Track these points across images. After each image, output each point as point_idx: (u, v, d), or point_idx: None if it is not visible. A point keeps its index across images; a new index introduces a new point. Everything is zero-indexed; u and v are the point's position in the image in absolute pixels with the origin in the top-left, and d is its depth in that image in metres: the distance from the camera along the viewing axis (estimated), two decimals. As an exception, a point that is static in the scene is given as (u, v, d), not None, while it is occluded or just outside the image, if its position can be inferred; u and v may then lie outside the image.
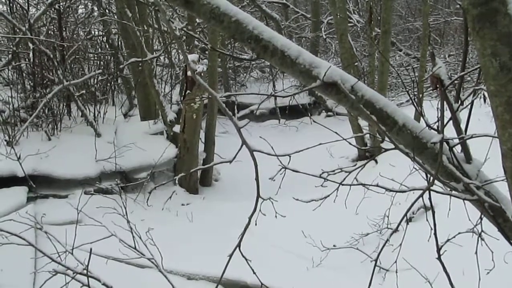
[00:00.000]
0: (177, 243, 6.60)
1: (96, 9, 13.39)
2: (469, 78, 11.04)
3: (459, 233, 2.93)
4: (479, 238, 2.75)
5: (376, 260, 3.22)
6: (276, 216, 2.76)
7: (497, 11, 1.89)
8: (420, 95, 9.19)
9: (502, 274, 3.78)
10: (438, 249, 2.71)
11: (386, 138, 2.56)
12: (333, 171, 3.17)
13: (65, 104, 10.01)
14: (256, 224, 2.62)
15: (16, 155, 7.67)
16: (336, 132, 2.96)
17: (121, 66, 11.58)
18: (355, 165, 3.48)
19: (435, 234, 2.67)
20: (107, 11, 12.80)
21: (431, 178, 2.47)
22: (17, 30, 9.71)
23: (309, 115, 13.68)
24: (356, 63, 12.44)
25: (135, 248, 4.87)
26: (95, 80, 11.39)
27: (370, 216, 6.80)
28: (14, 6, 10.53)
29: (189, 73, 8.37)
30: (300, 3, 22.59)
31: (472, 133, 2.84)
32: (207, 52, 12.10)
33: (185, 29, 9.77)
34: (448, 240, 2.76)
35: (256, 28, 2.46)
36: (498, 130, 2.06)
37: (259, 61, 15.28)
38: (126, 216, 4.98)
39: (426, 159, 2.65)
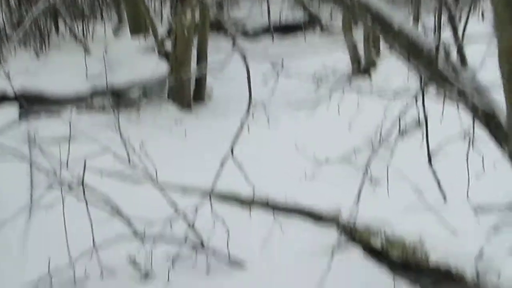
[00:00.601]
0: (171, 158, 6.66)
1: None
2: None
3: (451, 136, 2.95)
4: (470, 143, 2.77)
5: (366, 169, 3.26)
6: (268, 121, 2.74)
7: None
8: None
9: (491, 179, 3.87)
10: (429, 156, 2.73)
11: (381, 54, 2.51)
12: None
13: (52, 21, 9.70)
14: (248, 130, 2.62)
15: (5, 73, 7.52)
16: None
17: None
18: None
19: (426, 140, 2.68)
20: None
21: (426, 82, 2.44)
22: None
23: (304, 32, 13.40)
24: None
25: (129, 162, 4.92)
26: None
27: (363, 130, 6.83)
28: None
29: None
30: None
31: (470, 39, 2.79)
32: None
33: None
34: (439, 146, 2.79)
35: None
36: (496, 29, 2.01)
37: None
38: (119, 130, 4.98)
39: (421, 64, 2.61)
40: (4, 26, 9.13)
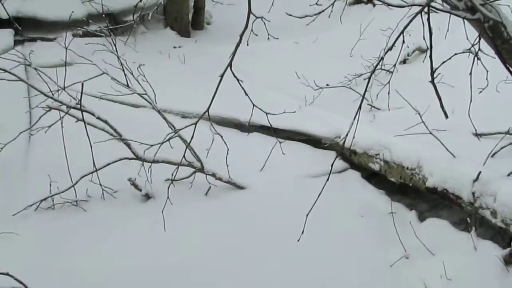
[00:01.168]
0: (170, 83, 6.59)
1: None
2: None
3: (455, 54, 2.88)
4: (475, 58, 2.70)
5: (363, 95, 3.20)
6: (268, 38, 2.66)
7: None
8: None
9: (493, 96, 3.82)
10: (432, 72, 2.67)
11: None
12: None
13: None
14: (247, 45, 2.54)
15: (-2, -4, 7.29)
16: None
17: None
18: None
19: (430, 56, 2.61)
20: None
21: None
22: None
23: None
24: None
25: (127, 85, 4.85)
26: None
27: (364, 57, 6.73)
28: None
29: None
30: None
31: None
32: None
33: None
34: (443, 62, 2.72)
35: None
36: None
37: None
38: (116, 53, 4.87)
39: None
40: None
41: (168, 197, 3.89)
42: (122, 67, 4.85)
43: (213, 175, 4.72)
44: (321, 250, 4.07)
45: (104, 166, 4.50)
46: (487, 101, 3.92)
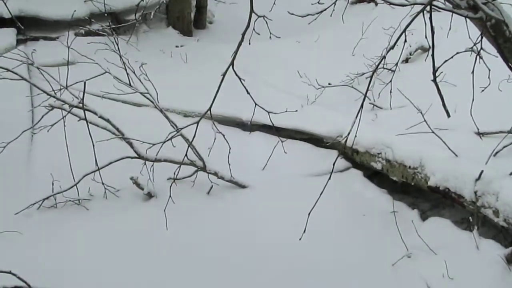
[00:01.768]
0: (172, 82, 6.59)
1: None
2: None
3: (457, 53, 2.88)
4: (477, 57, 2.70)
5: (365, 94, 3.21)
6: (270, 37, 2.66)
7: None
8: None
9: (495, 95, 3.82)
10: (434, 71, 2.67)
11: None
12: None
13: None
14: (249, 44, 2.55)
15: (1, -5, 7.30)
16: None
17: None
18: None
19: (432, 55, 2.61)
20: None
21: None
22: None
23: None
24: None
25: (129, 84, 4.86)
26: None
27: (367, 56, 6.73)
28: None
29: None
30: None
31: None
32: None
33: None
34: (445, 61, 2.72)
35: None
36: None
37: None
38: (118, 52, 4.88)
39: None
40: None
41: (170, 196, 3.91)
42: (124, 66, 4.86)
43: (215, 174, 4.72)
44: (323, 249, 4.07)
45: (107, 165, 4.51)
46: (489, 100, 3.91)
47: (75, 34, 7.48)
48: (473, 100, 3.33)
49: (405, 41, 2.61)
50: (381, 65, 4.80)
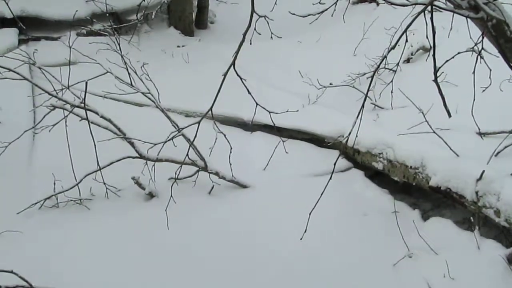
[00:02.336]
0: (173, 82, 6.60)
1: None
2: None
3: (459, 53, 2.87)
4: (478, 57, 2.70)
5: (366, 94, 3.21)
6: (271, 37, 2.66)
7: None
8: None
9: (496, 95, 3.81)
10: (435, 71, 2.67)
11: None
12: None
13: None
14: (250, 44, 2.55)
15: (3, -4, 7.31)
16: None
17: None
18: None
19: (433, 55, 2.61)
20: None
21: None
22: None
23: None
24: None
25: (131, 84, 4.87)
26: None
27: (368, 56, 6.72)
28: None
29: None
30: None
31: None
32: None
33: None
34: (446, 61, 2.72)
35: None
36: None
37: None
38: (120, 52, 4.89)
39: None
40: None
41: (171, 196, 3.91)
42: (126, 66, 4.87)
43: (217, 173, 4.73)
44: (324, 249, 4.08)
45: (108, 165, 4.51)
46: (490, 100, 3.91)
47: (76, 34, 7.50)
48: (474, 100, 3.33)
49: (406, 41, 2.61)
50: (382, 65, 4.81)
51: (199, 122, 2.92)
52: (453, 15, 2.57)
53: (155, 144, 3.86)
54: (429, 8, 2.48)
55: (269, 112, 3.29)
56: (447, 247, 4.07)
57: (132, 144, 4.60)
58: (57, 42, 7.42)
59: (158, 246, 4.01)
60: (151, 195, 4.61)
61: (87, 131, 4.38)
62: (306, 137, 5.69)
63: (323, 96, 6.24)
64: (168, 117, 4.81)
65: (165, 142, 3.55)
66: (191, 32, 9.38)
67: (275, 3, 2.90)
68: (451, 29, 3.17)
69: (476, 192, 4.10)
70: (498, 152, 4.58)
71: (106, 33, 5.82)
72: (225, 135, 3.81)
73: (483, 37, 2.64)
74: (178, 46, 8.53)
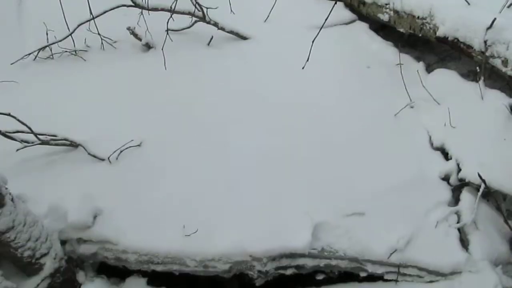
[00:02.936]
0: None
1: None
2: None
3: None
4: None
5: None
6: None
7: None
8: None
9: None
10: None
11: None
12: None
13: None
14: None
15: None
16: None
17: None
18: None
19: None
20: None
21: None
22: None
23: None
24: None
25: None
26: None
27: None
28: None
29: None
30: None
31: None
32: None
33: None
34: None
35: None
36: None
37: None
38: None
39: None
40: None
41: (167, 33, 3.73)
42: None
43: (215, 24, 4.53)
44: (326, 98, 4.02)
45: (102, 14, 4.30)
46: None
47: None
48: None
49: None
50: None
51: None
52: None
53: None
54: None
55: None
56: (450, 97, 4.01)
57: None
58: None
59: (157, 96, 3.96)
60: (148, 46, 4.47)
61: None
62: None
63: None
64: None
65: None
66: None
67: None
68: None
69: (485, 42, 3.94)
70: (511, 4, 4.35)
71: None
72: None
73: None
74: None
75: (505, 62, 3.86)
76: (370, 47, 4.71)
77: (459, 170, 3.49)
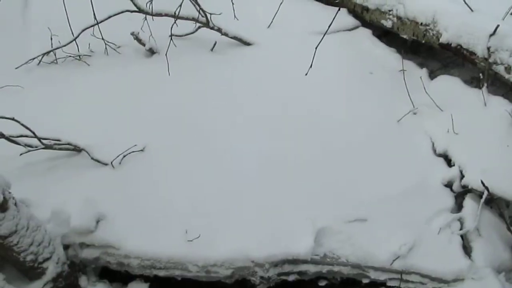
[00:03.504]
0: None
1: None
2: None
3: None
4: None
5: None
6: None
7: None
8: None
9: None
10: None
11: None
12: None
13: None
14: None
15: None
16: None
17: None
18: None
19: None
20: None
21: None
22: None
23: None
24: None
25: None
26: None
27: None
28: None
29: None
30: None
31: None
32: None
33: None
34: None
35: None
36: None
37: None
38: None
39: None
40: None
41: (171, 38, 3.72)
42: None
43: (219, 30, 4.55)
44: (328, 104, 4.02)
45: (106, 19, 4.31)
46: None
47: None
48: None
49: None
50: None
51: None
52: None
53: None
54: None
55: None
56: (453, 104, 4.02)
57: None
58: None
59: (160, 101, 3.96)
60: (151, 52, 4.48)
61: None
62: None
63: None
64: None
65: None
66: None
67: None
68: None
69: (488, 48, 3.95)
70: (515, 8, 4.36)
71: None
72: None
73: None
74: None
75: (508, 69, 3.87)
76: (373, 53, 4.72)
77: (462, 176, 3.49)
